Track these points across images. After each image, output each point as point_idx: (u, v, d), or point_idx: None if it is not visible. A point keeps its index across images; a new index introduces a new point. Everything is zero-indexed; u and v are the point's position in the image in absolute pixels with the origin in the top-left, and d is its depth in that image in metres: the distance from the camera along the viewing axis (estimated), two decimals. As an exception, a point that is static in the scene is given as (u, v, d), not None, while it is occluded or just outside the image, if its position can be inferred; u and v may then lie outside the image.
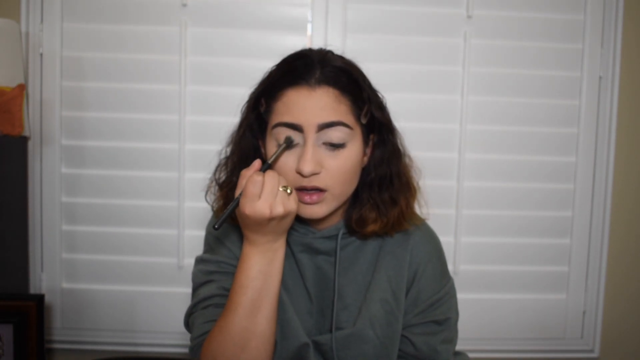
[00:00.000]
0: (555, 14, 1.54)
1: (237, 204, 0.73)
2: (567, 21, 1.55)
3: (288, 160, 0.78)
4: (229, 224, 0.88)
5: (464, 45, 1.53)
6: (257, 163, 0.75)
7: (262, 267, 0.76)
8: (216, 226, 0.70)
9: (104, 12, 1.49)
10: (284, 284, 0.87)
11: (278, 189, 0.73)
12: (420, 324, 0.87)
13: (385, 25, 1.52)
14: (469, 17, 1.53)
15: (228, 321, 0.76)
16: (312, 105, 0.76)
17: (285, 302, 0.85)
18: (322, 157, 0.78)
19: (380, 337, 0.84)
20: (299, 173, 0.77)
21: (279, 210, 0.72)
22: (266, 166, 0.75)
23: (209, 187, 0.91)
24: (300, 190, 0.79)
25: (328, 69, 0.78)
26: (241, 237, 0.88)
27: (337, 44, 1.47)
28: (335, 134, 0.77)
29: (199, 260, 0.91)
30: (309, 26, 1.51)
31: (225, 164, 0.89)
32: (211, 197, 0.91)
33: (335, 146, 0.78)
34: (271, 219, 0.73)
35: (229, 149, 0.89)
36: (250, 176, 0.72)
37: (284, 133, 0.77)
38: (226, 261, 0.87)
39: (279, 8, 1.51)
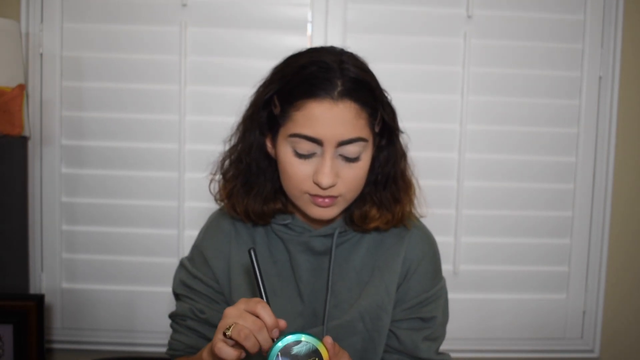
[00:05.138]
0: (555, 14, 1.54)
1: (261, 282, 0.70)
2: (567, 21, 1.55)
3: (304, 168, 0.78)
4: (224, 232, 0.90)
5: (464, 45, 1.53)
6: (282, 323, 0.69)
7: None
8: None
9: (104, 12, 1.49)
10: (272, 290, 0.88)
11: (227, 326, 0.67)
12: (406, 320, 0.89)
13: (385, 25, 1.52)
14: (469, 17, 1.53)
15: None
16: (333, 121, 0.76)
17: None
18: (339, 168, 0.78)
19: (370, 330, 0.86)
20: (317, 184, 0.78)
21: (224, 322, 0.68)
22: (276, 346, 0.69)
23: (213, 175, 0.91)
24: (315, 195, 0.80)
25: (349, 81, 0.77)
26: (224, 259, 0.89)
27: (337, 44, 1.47)
28: (353, 149, 0.78)
29: (181, 265, 0.94)
30: (309, 26, 1.51)
31: (230, 154, 0.89)
32: (214, 186, 0.91)
33: (352, 159, 0.79)
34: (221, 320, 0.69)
35: (234, 139, 0.89)
36: (259, 303, 0.68)
37: (303, 144, 0.77)
38: (204, 279, 0.90)
39: (279, 8, 1.51)
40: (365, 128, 0.78)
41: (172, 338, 0.91)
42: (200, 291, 0.90)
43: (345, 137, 0.76)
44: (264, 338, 0.66)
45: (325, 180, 0.76)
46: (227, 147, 0.90)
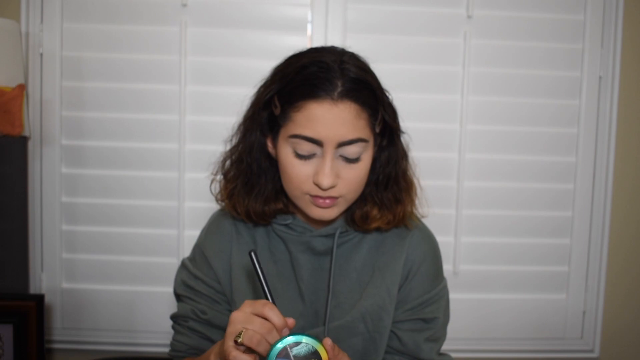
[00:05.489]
0: (555, 14, 1.54)
1: (265, 284, 0.70)
2: (567, 21, 1.55)
3: (305, 169, 0.78)
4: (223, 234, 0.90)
5: (464, 45, 1.53)
6: (290, 321, 0.68)
7: None
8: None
9: (104, 12, 1.49)
10: (272, 290, 0.87)
11: (239, 330, 0.66)
12: (407, 320, 0.88)
13: (385, 25, 1.52)
14: (469, 17, 1.53)
15: None
16: (333, 121, 0.75)
17: None
18: (339, 169, 0.78)
19: (371, 331, 0.85)
20: (317, 185, 0.78)
21: (235, 327, 0.67)
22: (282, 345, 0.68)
23: (214, 175, 0.91)
24: (315, 196, 0.80)
25: (349, 81, 0.77)
26: (226, 259, 0.89)
27: (337, 44, 1.47)
28: (353, 150, 0.78)
29: (182, 266, 0.94)
30: (309, 26, 1.51)
31: (231, 154, 0.89)
32: (215, 186, 0.91)
33: (352, 160, 0.79)
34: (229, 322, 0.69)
35: (234, 139, 0.89)
36: (267, 304, 0.67)
37: (303, 145, 0.77)
38: (205, 279, 0.90)
39: (279, 8, 1.51)
40: (365, 128, 0.78)
41: (174, 339, 0.91)
42: (201, 292, 0.90)
43: (346, 137, 0.76)
44: (274, 339, 0.66)
45: (326, 182, 0.76)
46: (228, 148, 0.90)
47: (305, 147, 0.77)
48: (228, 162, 0.89)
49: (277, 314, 0.67)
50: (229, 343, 0.66)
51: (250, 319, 0.66)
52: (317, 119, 0.75)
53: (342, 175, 0.78)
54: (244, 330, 0.65)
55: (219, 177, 0.90)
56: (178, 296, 0.93)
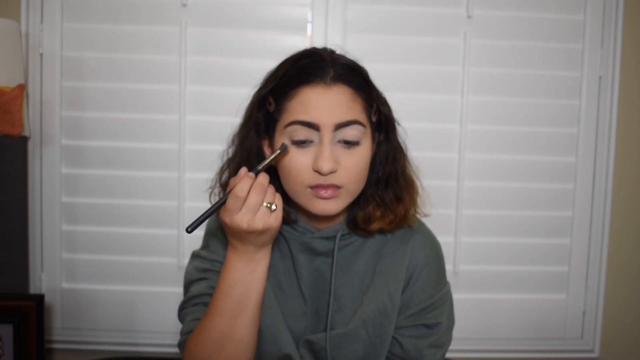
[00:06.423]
0: (555, 14, 1.54)
1: (218, 208, 0.72)
2: (567, 21, 1.55)
3: (303, 158, 0.78)
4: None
5: (464, 45, 1.53)
6: (242, 171, 0.73)
7: (243, 276, 0.77)
8: (189, 229, 0.70)
9: (104, 12, 1.49)
10: (278, 285, 0.87)
11: (261, 204, 0.72)
12: (410, 327, 0.87)
13: (385, 25, 1.52)
14: (469, 17, 1.53)
15: (207, 324, 0.77)
16: (328, 104, 0.76)
17: (274, 308, 0.85)
18: (339, 155, 0.78)
19: (372, 337, 0.85)
20: (317, 171, 0.77)
21: (257, 226, 0.72)
22: (255, 172, 0.73)
23: (212, 189, 0.91)
24: (316, 187, 0.79)
25: (340, 67, 0.79)
26: None
27: (337, 44, 1.47)
28: (351, 133, 0.78)
29: (194, 256, 0.92)
30: (309, 26, 1.51)
31: (228, 166, 0.89)
32: (214, 199, 0.91)
33: (351, 144, 0.78)
34: (249, 232, 0.73)
35: (231, 150, 0.89)
36: (233, 190, 0.71)
37: (300, 131, 0.77)
38: (220, 260, 0.87)
39: (279, 8, 1.51)
40: (362, 113, 0.79)
41: (187, 321, 0.85)
42: (218, 270, 0.86)
43: (342, 119, 0.77)
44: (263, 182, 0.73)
45: (326, 165, 0.76)
46: (225, 158, 0.89)
47: (302, 132, 0.77)
48: (226, 174, 0.89)
49: (242, 181, 0.72)
50: (264, 215, 0.73)
51: (253, 202, 0.72)
52: (312, 103, 0.76)
53: (341, 162, 0.78)
54: (265, 203, 0.73)
55: (217, 189, 0.90)
56: (191, 282, 0.89)
